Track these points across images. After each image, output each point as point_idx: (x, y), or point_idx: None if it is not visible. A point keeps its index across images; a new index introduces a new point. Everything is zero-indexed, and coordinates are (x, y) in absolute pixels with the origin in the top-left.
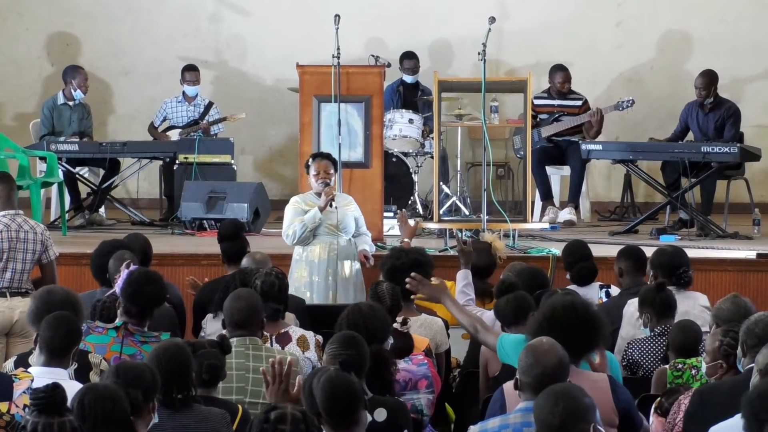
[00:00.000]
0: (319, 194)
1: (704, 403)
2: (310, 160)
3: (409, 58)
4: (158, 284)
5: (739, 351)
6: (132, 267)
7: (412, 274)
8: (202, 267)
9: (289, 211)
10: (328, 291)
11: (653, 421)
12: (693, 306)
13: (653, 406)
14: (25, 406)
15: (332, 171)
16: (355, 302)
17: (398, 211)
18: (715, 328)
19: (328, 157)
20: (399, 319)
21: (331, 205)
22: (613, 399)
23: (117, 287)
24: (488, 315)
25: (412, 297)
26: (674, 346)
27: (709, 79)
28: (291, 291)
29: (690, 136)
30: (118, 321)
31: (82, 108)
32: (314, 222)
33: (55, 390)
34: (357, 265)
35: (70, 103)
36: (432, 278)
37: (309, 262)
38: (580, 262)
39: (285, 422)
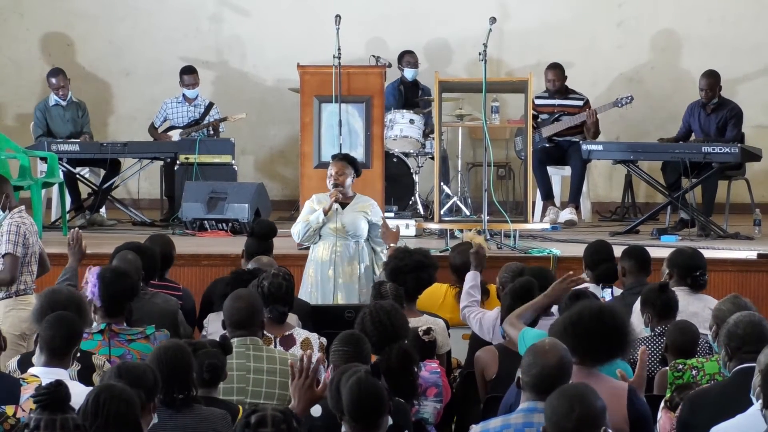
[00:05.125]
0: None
1: (695, 410)
2: (330, 159)
3: (409, 53)
4: (130, 277)
5: (723, 355)
6: (95, 269)
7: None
8: (203, 267)
9: (303, 209)
10: (329, 292)
11: (662, 416)
12: (703, 309)
13: (663, 400)
14: (31, 410)
15: (348, 171)
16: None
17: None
18: (715, 328)
19: (345, 158)
20: (422, 328)
21: (342, 207)
22: (627, 408)
23: (89, 293)
24: (489, 316)
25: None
26: (672, 347)
27: (714, 79)
28: (301, 289)
29: (693, 137)
30: (101, 324)
31: (75, 107)
32: (318, 223)
33: (58, 387)
34: (363, 269)
35: (63, 103)
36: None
37: (315, 261)
38: (605, 263)
39: (266, 425)
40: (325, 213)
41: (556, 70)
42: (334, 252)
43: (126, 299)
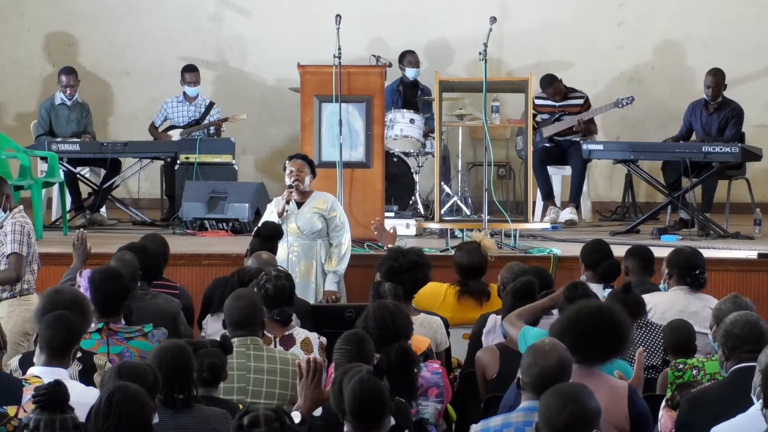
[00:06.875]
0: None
1: (693, 410)
2: (287, 161)
3: (410, 53)
4: (122, 278)
5: (720, 355)
6: (86, 272)
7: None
8: (203, 267)
9: (265, 213)
10: None
11: (663, 414)
12: (703, 308)
13: (665, 399)
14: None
15: (306, 170)
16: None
17: (373, 221)
18: (716, 328)
19: (302, 158)
20: None
21: (298, 207)
22: (628, 406)
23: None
24: (490, 321)
25: None
26: (669, 347)
27: (721, 77)
28: None
29: (694, 136)
30: (98, 323)
31: (80, 107)
32: None
33: (57, 387)
34: (320, 267)
35: (69, 102)
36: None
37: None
38: (606, 260)
39: (259, 425)
40: (279, 215)
41: (555, 86)
42: (291, 252)
43: (118, 300)
